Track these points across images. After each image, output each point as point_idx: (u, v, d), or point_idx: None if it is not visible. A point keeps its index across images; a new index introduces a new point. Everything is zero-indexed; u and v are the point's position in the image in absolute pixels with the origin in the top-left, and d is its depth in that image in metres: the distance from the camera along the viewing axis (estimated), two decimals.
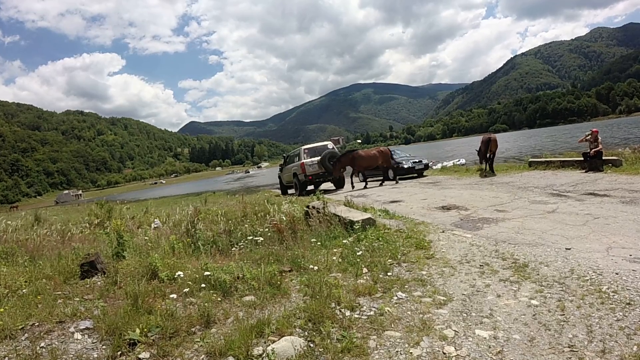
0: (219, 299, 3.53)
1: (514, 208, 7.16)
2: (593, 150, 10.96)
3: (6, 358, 2.55)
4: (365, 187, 14.74)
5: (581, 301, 3.14)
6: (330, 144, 16.95)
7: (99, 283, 3.96)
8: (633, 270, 3.59)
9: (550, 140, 52.29)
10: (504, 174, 12.91)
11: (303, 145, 17.80)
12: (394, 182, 14.80)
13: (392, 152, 18.27)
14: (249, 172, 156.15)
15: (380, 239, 5.34)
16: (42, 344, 2.72)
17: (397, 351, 2.64)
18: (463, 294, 3.51)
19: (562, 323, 2.85)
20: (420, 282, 3.85)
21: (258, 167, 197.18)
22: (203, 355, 2.64)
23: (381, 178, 16.62)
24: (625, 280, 3.39)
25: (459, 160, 28.86)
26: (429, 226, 6.36)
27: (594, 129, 11.59)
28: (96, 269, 4.18)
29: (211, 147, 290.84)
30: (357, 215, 6.17)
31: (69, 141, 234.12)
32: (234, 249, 5.47)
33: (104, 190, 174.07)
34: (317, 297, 3.39)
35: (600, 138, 11.22)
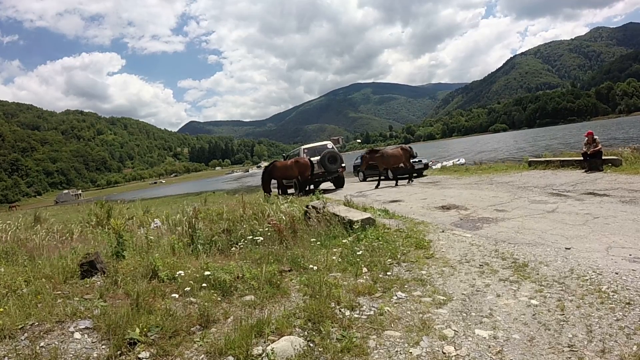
0: (219, 298, 3.52)
1: (514, 208, 7.17)
2: (592, 150, 10.98)
3: (6, 358, 2.54)
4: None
5: (581, 301, 3.14)
6: (329, 144, 16.93)
7: (98, 283, 3.95)
8: (633, 270, 3.59)
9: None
10: (504, 174, 12.92)
11: (302, 145, 17.80)
12: (395, 183, 14.76)
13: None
14: (248, 171, 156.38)
15: (379, 238, 5.34)
16: (42, 344, 2.72)
17: (396, 351, 2.64)
18: (463, 294, 3.51)
19: (561, 323, 2.85)
20: (420, 282, 3.85)
21: (258, 167, 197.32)
22: (203, 355, 2.64)
23: (381, 178, 16.54)
24: (625, 280, 3.39)
25: (458, 160, 28.88)
26: (428, 226, 6.36)
27: (588, 131, 11.65)
28: (96, 268, 4.17)
29: (211, 147, 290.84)
30: (356, 215, 6.17)
31: (68, 141, 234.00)
32: (233, 248, 5.47)
33: (104, 189, 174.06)
34: (317, 296, 3.39)
35: (597, 137, 11.24)
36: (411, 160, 17.20)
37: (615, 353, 2.43)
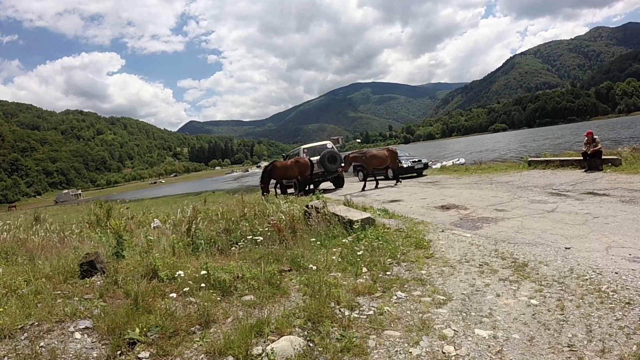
0: (219, 298, 3.52)
1: (514, 207, 7.17)
2: (592, 149, 10.98)
3: (6, 357, 2.54)
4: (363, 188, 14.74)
5: (581, 300, 3.14)
6: (329, 144, 16.92)
7: (98, 282, 3.95)
8: (632, 269, 3.59)
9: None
10: (504, 174, 12.92)
11: (302, 144, 17.79)
12: (395, 182, 14.74)
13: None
14: (248, 171, 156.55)
15: (379, 238, 5.34)
16: (42, 344, 2.72)
17: (396, 351, 2.64)
18: (462, 294, 3.51)
19: (561, 322, 2.85)
20: (419, 282, 3.85)
21: (257, 167, 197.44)
22: (202, 355, 2.64)
23: (377, 178, 16.52)
24: (624, 280, 3.40)
25: (458, 160, 28.89)
26: (428, 225, 6.37)
27: (588, 131, 11.66)
28: (96, 268, 4.17)
29: (210, 147, 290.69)
30: (356, 215, 6.17)
31: (68, 141, 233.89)
32: (233, 248, 5.47)
33: (104, 189, 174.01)
34: (317, 296, 3.39)
35: (597, 137, 11.25)
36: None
37: (615, 353, 2.43)
